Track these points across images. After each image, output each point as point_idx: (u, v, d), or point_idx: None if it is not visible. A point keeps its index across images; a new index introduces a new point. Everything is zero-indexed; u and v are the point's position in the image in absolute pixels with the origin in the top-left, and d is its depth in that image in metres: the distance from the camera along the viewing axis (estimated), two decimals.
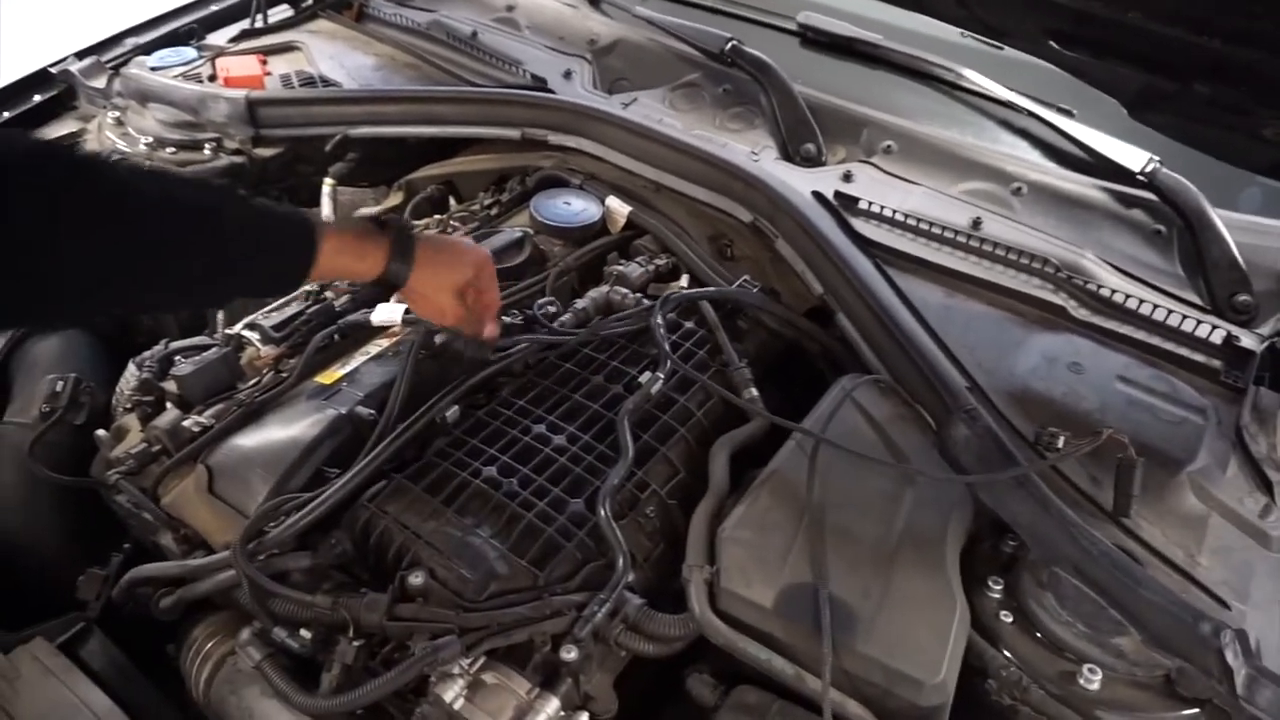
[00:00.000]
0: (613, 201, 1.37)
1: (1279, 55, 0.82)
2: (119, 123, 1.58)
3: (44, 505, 1.13)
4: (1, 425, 1.18)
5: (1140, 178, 1.31)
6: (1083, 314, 1.19)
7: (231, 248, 0.84)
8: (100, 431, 1.11)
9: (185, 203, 0.80)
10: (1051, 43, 1.00)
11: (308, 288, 1.28)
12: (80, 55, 1.68)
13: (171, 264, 0.80)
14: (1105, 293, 1.20)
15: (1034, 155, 1.44)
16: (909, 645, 0.83)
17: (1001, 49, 1.39)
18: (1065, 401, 1.06)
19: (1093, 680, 0.83)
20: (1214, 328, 1.15)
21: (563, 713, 0.83)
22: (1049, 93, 1.46)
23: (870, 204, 1.33)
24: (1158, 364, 1.14)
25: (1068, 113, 1.44)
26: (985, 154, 1.42)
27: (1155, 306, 1.17)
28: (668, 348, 1.12)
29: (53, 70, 1.65)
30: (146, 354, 1.18)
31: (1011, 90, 1.48)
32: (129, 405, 1.13)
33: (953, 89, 1.55)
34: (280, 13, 1.89)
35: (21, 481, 1.13)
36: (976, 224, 1.30)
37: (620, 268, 1.27)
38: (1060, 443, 1.00)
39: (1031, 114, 1.46)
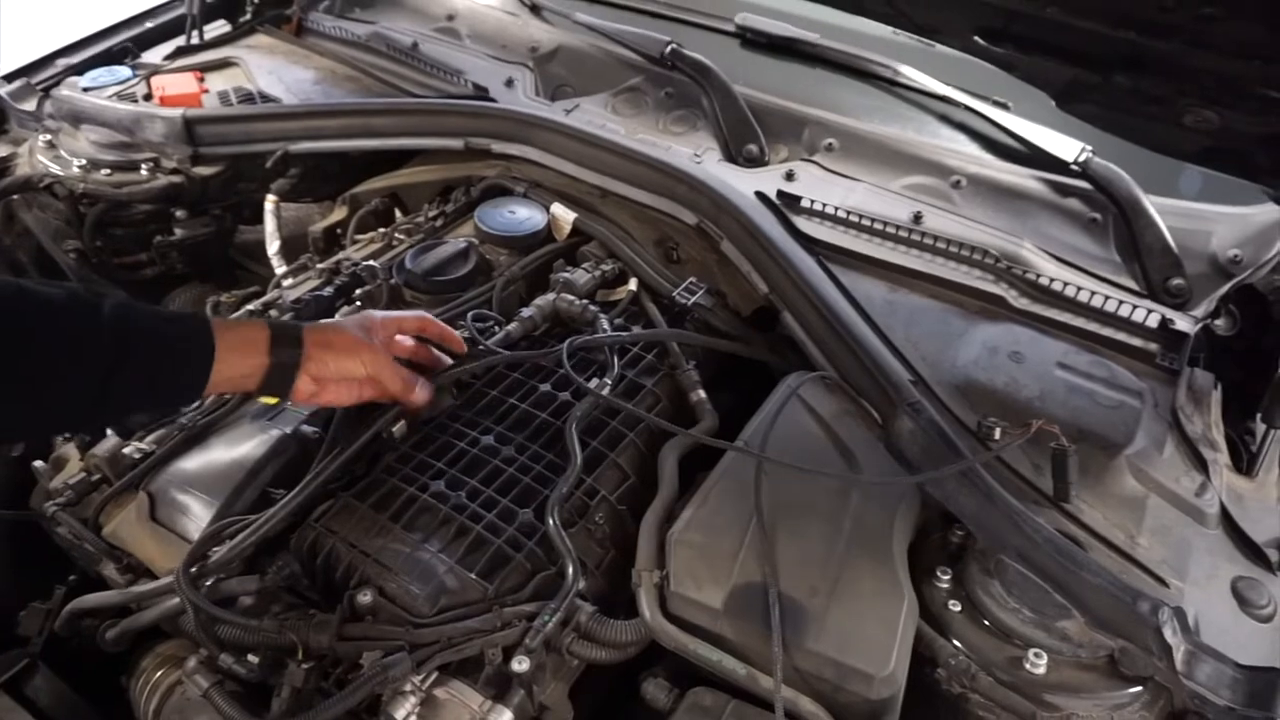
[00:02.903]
0: (557, 208, 1.36)
1: (1193, 46, 0.84)
2: (51, 145, 1.55)
3: None
4: None
5: (1074, 167, 1.33)
6: (1023, 303, 1.21)
7: (127, 363, 0.77)
8: (38, 463, 1.09)
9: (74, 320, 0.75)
10: (978, 39, 1.02)
11: (253, 306, 1.27)
12: (9, 78, 1.64)
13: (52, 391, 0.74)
14: (1044, 281, 1.22)
15: (972, 148, 1.47)
16: (858, 640, 0.84)
17: (933, 46, 1.41)
18: (1007, 390, 1.08)
19: (1038, 664, 0.85)
20: (1149, 312, 1.18)
21: None
22: (985, 87, 1.48)
23: (813, 202, 1.34)
24: (1096, 349, 1.16)
25: (1003, 105, 1.47)
26: (925, 149, 1.43)
27: (1092, 293, 1.20)
28: (614, 354, 1.12)
29: None
30: None
31: (948, 85, 1.50)
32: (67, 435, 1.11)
33: (891, 85, 1.56)
34: (217, 29, 1.86)
35: None
36: (917, 218, 1.32)
37: (567, 275, 1.27)
38: (997, 433, 1.02)
39: (968, 108, 1.48)
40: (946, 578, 0.93)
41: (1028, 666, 0.85)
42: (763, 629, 0.84)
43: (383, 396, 0.99)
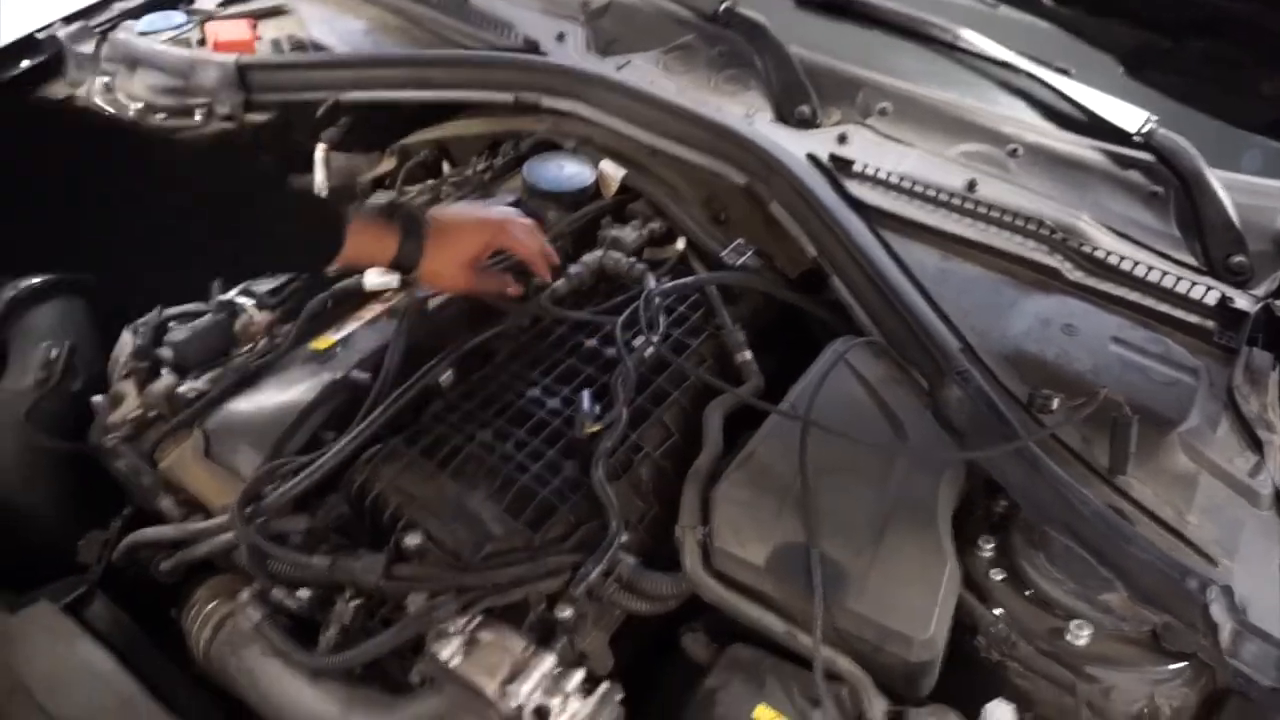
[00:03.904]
0: (606, 165, 1.36)
1: (1274, 9, 0.81)
2: (108, 89, 1.56)
3: (43, 471, 1.14)
4: None
5: (1137, 138, 1.30)
6: (1077, 276, 1.19)
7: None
8: (97, 397, 1.12)
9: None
10: (1047, 0, 0.99)
11: None
12: (68, 20, 1.66)
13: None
14: (1100, 254, 1.19)
15: (1031, 116, 1.43)
16: (899, 602, 0.84)
17: (997, 7, 1.37)
18: (1058, 363, 1.07)
19: (1080, 635, 0.85)
20: (1208, 289, 1.15)
21: (558, 669, 0.84)
22: (1047, 52, 1.44)
23: (865, 166, 1.32)
24: (1152, 325, 1.14)
25: (1065, 72, 1.43)
26: (981, 115, 1.40)
27: (1150, 268, 1.17)
28: (660, 316, 1.12)
29: (40, 36, 1.63)
30: (141, 321, 1.18)
31: (1009, 50, 1.46)
32: (125, 371, 1.14)
33: (950, 49, 1.53)
34: None
35: (20, 448, 1.14)
36: (972, 186, 1.29)
37: (614, 232, 1.27)
38: (1055, 404, 1.00)
39: (1029, 74, 1.44)
40: (989, 547, 0.93)
41: (1068, 637, 0.85)
42: (804, 588, 0.85)
43: (513, 247, 1.09)
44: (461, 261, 1.08)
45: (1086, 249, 1.20)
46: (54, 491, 1.14)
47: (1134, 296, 1.16)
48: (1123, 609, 0.87)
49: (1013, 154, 1.36)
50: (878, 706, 0.82)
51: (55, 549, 1.06)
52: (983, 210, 1.26)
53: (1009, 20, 1.37)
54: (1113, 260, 1.19)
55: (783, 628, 0.86)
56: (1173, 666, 0.85)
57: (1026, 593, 0.90)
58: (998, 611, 0.89)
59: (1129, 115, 1.32)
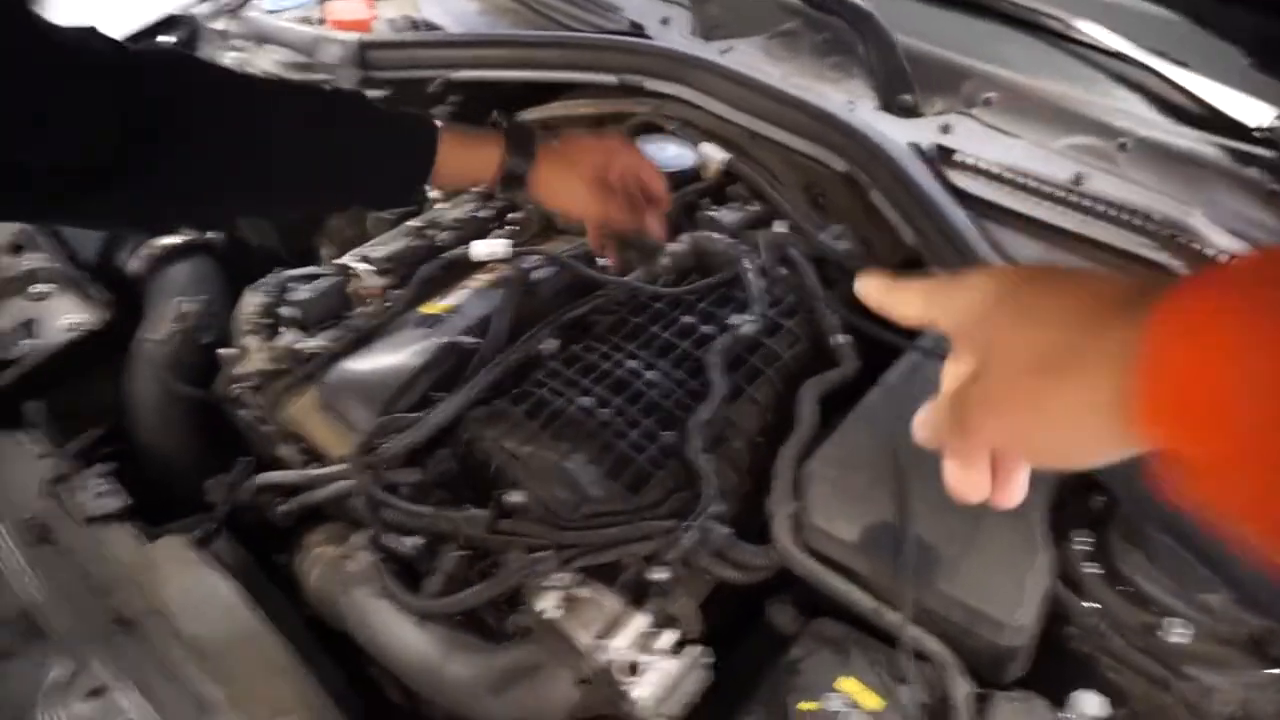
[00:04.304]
0: (707, 148, 1.38)
1: None
2: (240, 64, 1.65)
3: (176, 415, 1.22)
4: (138, 343, 1.27)
5: (1260, 133, 1.26)
6: (1187, 274, 1.16)
7: (362, 146, 0.91)
8: (224, 350, 1.19)
9: (315, 106, 0.88)
10: None
11: (415, 223, 1.34)
12: None
13: (308, 166, 0.88)
14: (1210, 253, 1.16)
15: (1143, 109, 1.39)
16: (992, 586, 0.85)
17: None
18: None
19: (1175, 633, 0.84)
20: None
21: (650, 629, 0.88)
22: (1167, 43, 1.40)
23: (968, 156, 1.31)
24: None
25: (1183, 64, 1.38)
26: (1090, 107, 1.37)
27: None
28: (758, 292, 1.14)
29: (178, 15, 1.73)
30: (263, 281, 1.25)
31: (1123, 40, 1.43)
32: (249, 328, 1.21)
33: (1059, 39, 1.50)
34: None
35: (157, 393, 1.22)
36: (1078, 179, 1.27)
37: (713, 213, 1.29)
38: None
39: (1142, 65, 1.41)
40: (1086, 541, 0.92)
41: (1161, 634, 0.84)
42: (894, 566, 0.86)
43: (639, 167, 1.06)
44: (582, 176, 1.02)
45: (1196, 246, 1.17)
46: (186, 436, 1.22)
47: None
48: (1222, 610, 0.86)
49: (1122, 148, 1.33)
50: (962, 688, 0.83)
51: (187, 488, 1.14)
52: (1089, 204, 1.24)
53: (1126, 9, 1.34)
54: (1223, 259, 1.16)
55: (871, 604, 0.87)
56: (1272, 672, 0.83)
57: (1121, 588, 0.89)
58: (1092, 605, 0.88)
59: (1252, 109, 1.27)
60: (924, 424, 0.56)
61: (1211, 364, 0.35)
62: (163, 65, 0.82)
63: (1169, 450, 0.38)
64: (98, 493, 1.06)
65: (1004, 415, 0.48)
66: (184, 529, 1.06)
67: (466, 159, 0.97)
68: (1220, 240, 1.20)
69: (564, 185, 1.03)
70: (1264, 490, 0.34)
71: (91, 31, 0.79)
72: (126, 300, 1.34)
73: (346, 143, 0.91)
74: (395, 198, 1.13)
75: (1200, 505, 0.37)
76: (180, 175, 0.83)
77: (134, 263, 1.37)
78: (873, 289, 0.57)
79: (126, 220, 1.06)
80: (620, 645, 0.86)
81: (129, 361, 1.26)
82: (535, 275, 1.19)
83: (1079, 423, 0.44)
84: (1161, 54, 1.39)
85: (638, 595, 0.91)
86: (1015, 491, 0.55)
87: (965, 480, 0.54)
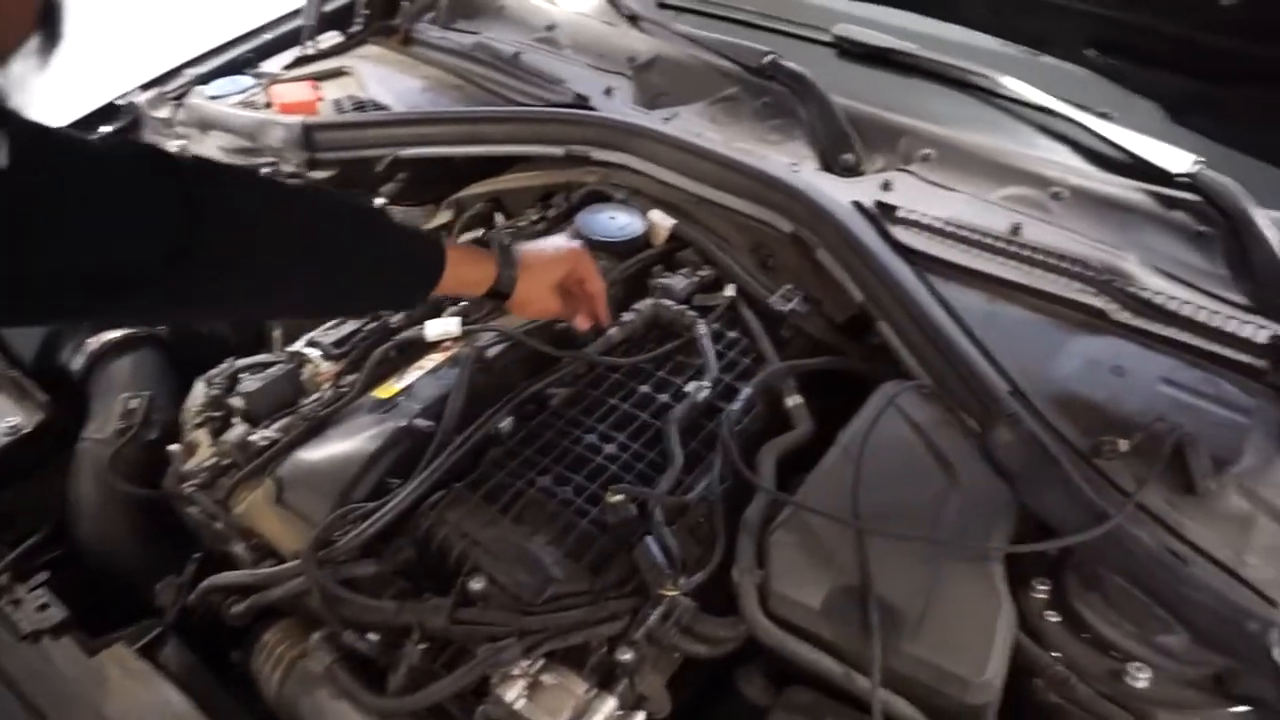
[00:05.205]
0: (656, 215, 1.40)
1: None
2: (182, 151, 1.65)
3: (121, 517, 1.19)
4: (81, 442, 1.25)
5: (1182, 179, 1.31)
6: (1124, 317, 1.20)
7: (385, 258, 0.97)
8: (173, 446, 1.17)
9: (349, 219, 0.94)
10: (1089, 51, 1.02)
11: None
12: (144, 87, 1.76)
13: (337, 275, 0.93)
14: (1146, 295, 1.20)
15: (1073, 159, 1.45)
16: (956, 644, 0.85)
17: (1038, 56, 1.40)
18: (1108, 405, 1.07)
19: (1140, 678, 0.84)
20: (1259, 328, 1.15)
21: (619, 712, 0.86)
22: (1088, 99, 1.46)
23: (909, 212, 1.35)
24: (1202, 365, 1.14)
25: (1105, 116, 1.44)
26: (1023, 159, 1.43)
27: (1199, 308, 1.18)
28: (712, 357, 1.15)
29: (119, 103, 1.73)
30: (214, 371, 1.23)
31: (1048, 95, 1.49)
32: (198, 421, 1.19)
33: (989, 95, 1.56)
34: (331, 39, 1.95)
35: (101, 495, 1.19)
36: (1016, 229, 1.31)
37: (665, 280, 1.30)
38: (1122, 447, 1.00)
39: (1069, 119, 1.46)
40: (1045, 588, 0.93)
41: (1128, 680, 0.85)
42: (860, 630, 0.86)
43: (589, 274, 1.15)
44: (550, 285, 1.13)
45: (1133, 290, 1.21)
46: (132, 537, 1.18)
47: (1183, 337, 1.17)
48: (1184, 652, 0.87)
49: (1056, 197, 1.38)
50: None
51: (133, 592, 1.11)
52: (1027, 253, 1.28)
53: (1049, 67, 1.40)
54: (1160, 301, 1.19)
55: (840, 670, 0.87)
56: (1236, 710, 0.84)
57: (1083, 635, 0.90)
58: (1055, 654, 0.89)
59: (1173, 156, 1.33)
60: None
61: None
62: (202, 173, 0.84)
63: None
64: (37, 605, 1.02)
65: None
66: (131, 636, 1.02)
67: (466, 272, 1.05)
68: (1154, 282, 1.24)
69: (539, 296, 1.12)
70: None
71: (133, 144, 0.80)
72: (70, 399, 1.31)
73: (377, 255, 0.96)
74: (407, 305, 1.21)
75: None
76: (223, 281, 0.85)
77: (76, 360, 1.34)
78: None
79: (167, 319, 1.21)
80: None
81: (72, 462, 1.23)
82: (490, 352, 1.19)
83: None
84: (1085, 108, 1.45)
85: (606, 677, 0.89)
86: None
87: None
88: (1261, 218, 1.25)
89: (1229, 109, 0.98)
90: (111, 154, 0.78)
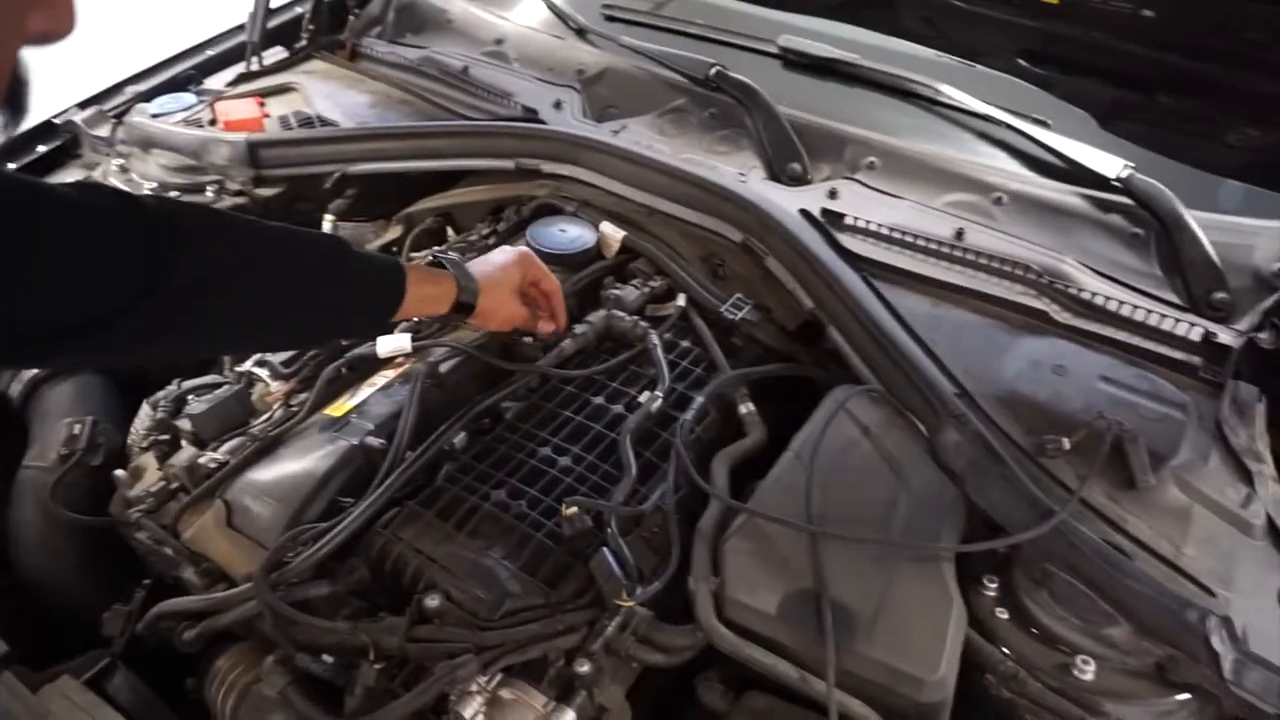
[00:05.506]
0: (606, 227, 1.41)
1: (1237, 69, 0.86)
2: (123, 169, 1.62)
3: (66, 546, 1.16)
4: (23, 470, 1.21)
5: (1116, 183, 1.35)
6: (1065, 318, 1.23)
7: (350, 289, 0.97)
8: (118, 471, 1.14)
9: (310, 254, 0.94)
10: (1021, 61, 1.05)
11: None
12: (83, 105, 1.72)
13: (303, 311, 0.94)
14: (1085, 296, 1.24)
15: (1013, 165, 1.48)
16: (908, 644, 0.87)
17: (974, 67, 1.43)
18: (1050, 403, 1.10)
19: (1086, 670, 0.87)
20: (1192, 325, 1.19)
21: None
22: (1024, 105, 1.50)
23: (856, 219, 1.37)
24: (1139, 363, 1.17)
25: (1043, 123, 1.48)
26: (966, 166, 1.46)
27: (1135, 307, 1.21)
28: (665, 367, 1.16)
29: (56, 121, 1.69)
30: (160, 394, 1.21)
31: (988, 103, 1.52)
32: (145, 445, 1.17)
33: (931, 104, 1.59)
34: (276, 55, 1.93)
35: (44, 523, 1.16)
36: (959, 234, 1.34)
37: (617, 291, 1.31)
38: (1065, 445, 1.03)
39: (1009, 126, 1.50)
40: (993, 585, 0.95)
41: (1075, 673, 0.87)
42: (814, 633, 0.87)
43: (541, 275, 1.18)
44: (511, 291, 1.15)
45: (1073, 291, 1.25)
46: (77, 566, 1.16)
47: (1121, 335, 1.20)
48: (1127, 643, 0.89)
49: (997, 202, 1.41)
50: None
51: (79, 622, 1.08)
52: (971, 257, 1.31)
53: (986, 77, 1.43)
54: (1098, 301, 1.23)
55: (795, 674, 0.88)
56: (1179, 698, 0.87)
57: (1032, 630, 0.92)
58: (1005, 650, 0.91)
59: (1107, 162, 1.37)
60: None
61: None
62: (172, 213, 0.83)
63: None
64: None
65: None
66: (78, 668, 1.00)
67: (428, 291, 1.05)
68: (1091, 283, 1.28)
69: (502, 303, 1.14)
70: None
71: (92, 186, 0.79)
72: (8, 426, 1.27)
73: (344, 287, 0.96)
74: (374, 332, 1.20)
75: None
76: (190, 320, 0.85)
77: (15, 386, 1.31)
78: None
79: (131, 360, 1.20)
80: None
81: (12, 491, 1.20)
82: (442, 368, 1.19)
83: None
84: (1023, 115, 1.49)
85: (565, 690, 0.89)
86: None
87: None
88: (1192, 219, 1.29)
89: (1153, 115, 1.01)
90: (78, 201, 0.78)
